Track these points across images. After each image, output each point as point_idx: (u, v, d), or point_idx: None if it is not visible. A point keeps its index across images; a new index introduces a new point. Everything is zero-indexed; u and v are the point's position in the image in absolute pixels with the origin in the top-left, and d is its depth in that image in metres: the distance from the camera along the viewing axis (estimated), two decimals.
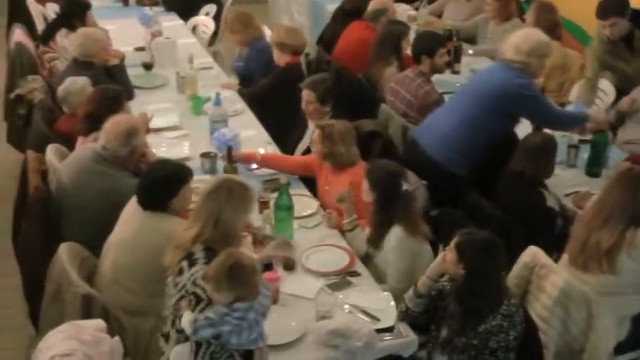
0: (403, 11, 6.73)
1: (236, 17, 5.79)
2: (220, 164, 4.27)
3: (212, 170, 4.26)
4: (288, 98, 4.85)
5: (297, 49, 5.26)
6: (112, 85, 4.64)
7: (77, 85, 4.60)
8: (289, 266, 3.48)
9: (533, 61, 4.27)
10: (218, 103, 4.74)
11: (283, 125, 4.87)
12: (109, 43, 5.49)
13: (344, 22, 6.24)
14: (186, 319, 2.72)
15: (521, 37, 4.33)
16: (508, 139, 4.33)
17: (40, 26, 6.75)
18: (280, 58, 5.26)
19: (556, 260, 3.53)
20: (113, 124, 3.85)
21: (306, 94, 4.56)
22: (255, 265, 2.76)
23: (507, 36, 4.44)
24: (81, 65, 5.05)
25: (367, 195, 3.58)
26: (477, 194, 4.03)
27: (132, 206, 3.44)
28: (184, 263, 3.00)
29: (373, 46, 5.39)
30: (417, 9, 7.07)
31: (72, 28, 5.77)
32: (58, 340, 2.63)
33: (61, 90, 4.63)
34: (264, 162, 4.31)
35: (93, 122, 4.05)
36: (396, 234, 3.47)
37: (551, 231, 3.88)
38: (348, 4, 6.42)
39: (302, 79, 4.77)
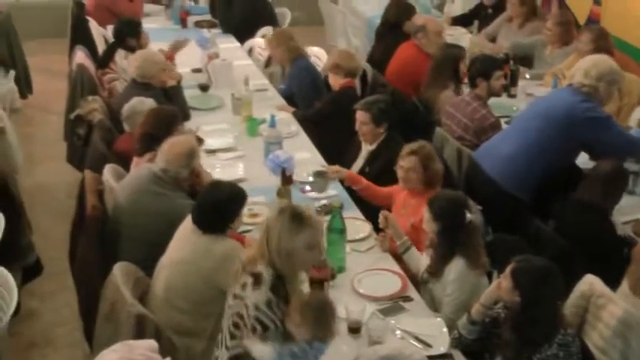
0: (460, 35, 6.69)
1: (275, 34, 5.84)
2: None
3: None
4: (342, 121, 4.85)
5: (351, 71, 5.27)
6: (169, 105, 4.70)
7: (144, 105, 4.66)
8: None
9: (601, 86, 4.21)
10: (273, 124, 4.77)
11: (337, 148, 4.87)
12: (170, 66, 5.57)
13: (390, 36, 6.27)
14: (264, 350, 2.75)
15: (590, 62, 4.28)
16: (570, 165, 4.26)
17: (101, 48, 6.89)
18: (335, 81, 5.28)
19: (614, 289, 3.45)
20: (172, 145, 3.90)
21: (360, 115, 4.55)
22: (335, 309, 2.82)
23: (566, 59, 4.39)
24: (139, 86, 5.14)
25: (429, 225, 3.49)
26: (538, 219, 3.97)
27: (186, 226, 3.47)
28: (249, 280, 2.94)
29: (429, 69, 5.37)
30: (471, 32, 7.03)
31: (129, 49, 5.89)
32: (111, 359, 2.66)
33: (126, 108, 4.70)
34: (365, 190, 4.26)
35: (148, 143, 4.11)
36: (457, 266, 3.39)
37: (621, 260, 3.76)
38: (390, 16, 6.41)
39: (354, 102, 4.77)
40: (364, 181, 4.27)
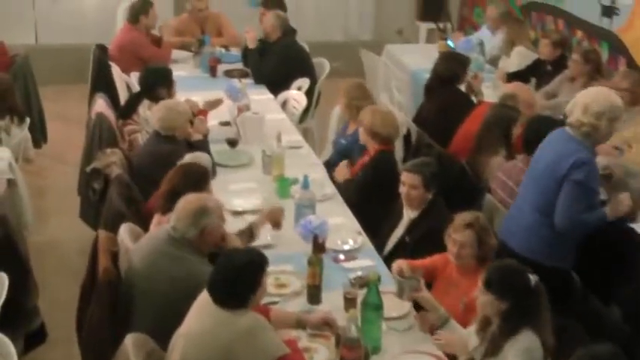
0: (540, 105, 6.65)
1: (358, 87, 5.89)
2: None
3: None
4: (380, 186, 4.86)
5: (388, 139, 5.24)
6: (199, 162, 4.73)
7: (201, 160, 4.70)
8: None
9: (602, 125, 4.13)
10: (306, 186, 4.78)
11: (375, 214, 4.87)
12: (204, 120, 5.64)
13: (440, 93, 6.28)
14: None
15: (589, 97, 4.19)
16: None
17: (123, 96, 7.01)
18: (370, 145, 5.27)
19: None
20: (184, 202, 3.93)
21: (410, 178, 4.55)
22: None
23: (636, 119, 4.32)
24: (162, 139, 5.21)
25: (492, 307, 3.41)
26: (593, 297, 3.91)
27: (205, 296, 3.47)
28: None
29: (479, 130, 5.37)
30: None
31: (157, 99, 5.96)
32: None
33: (186, 160, 4.73)
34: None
35: (174, 200, 4.14)
36: (525, 340, 3.32)
37: None
38: (441, 70, 6.41)
39: (394, 167, 4.78)
40: (403, 263, 4.10)
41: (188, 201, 3.94)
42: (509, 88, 6.06)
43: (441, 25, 9.68)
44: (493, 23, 8.21)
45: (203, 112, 5.94)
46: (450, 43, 8.14)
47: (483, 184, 5.13)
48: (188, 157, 4.73)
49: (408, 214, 4.62)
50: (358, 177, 5.20)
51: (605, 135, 4.22)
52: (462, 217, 3.96)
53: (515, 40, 7.60)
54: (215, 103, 6.21)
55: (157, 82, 6.06)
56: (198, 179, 4.34)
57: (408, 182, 4.54)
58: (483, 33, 8.37)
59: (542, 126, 4.79)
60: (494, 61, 7.87)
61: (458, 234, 3.92)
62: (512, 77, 7.01)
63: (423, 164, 4.62)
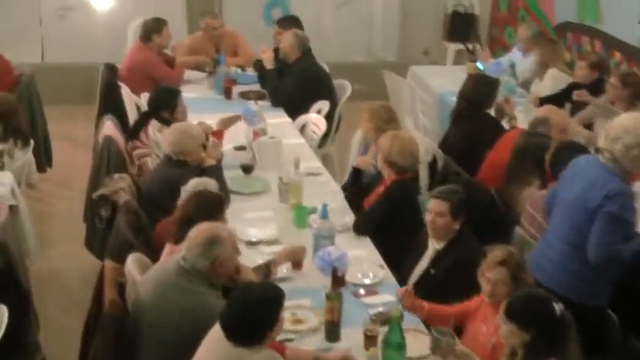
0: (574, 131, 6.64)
1: (386, 109, 5.90)
2: None
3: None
4: (399, 217, 4.84)
5: (405, 168, 5.20)
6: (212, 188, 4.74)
7: (207, 186, 4.69)
8: None
9: (634, 153, 4.10)
10: (325, 215, 4.78)
11: (397, 246, 4.85)
12: (213, 142, 5.66)
13: (469, 118, 6.27)
14: None
15: (622, 122, 4.17)
16: None
17: (132, 119, 7.05)
18: (386, 173, 5.24)
19: None
20: (195, 231, 3.94)
21: (437, 205, 4.53)
22: None
23: None
24: (173, 164, 5.24)
25: (514, 338, 3.40)
26: (633, 339, 3.87)
27: (217, 332, 3.46)
28: None
29: (509, 160, 5.35)
30: None
31: (163, 121, 6.00)
32: None
33: (183, 195, 4.72)
34: (430, 315, 4.08)
35: (187, 229, 4.13)
36: None
37: None
38: (469, 94, 6.40)
39: (411, 197, 4.76)
40: (425, 305, 4.11)
41: (200, 230, 3.94)
42: (540, 112, 6.05)
43: (470, 46, 9.68)
44: (525, 44, 8.20)
45: (218, 133, 5.96)
46: (479, 65, 8.15)
47: (514, 216, 5.10)
48: (193, 183, 4.73)
49: (434, 245, 4.60)
50: (372, 208, 5.17)
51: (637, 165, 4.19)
52: (495, 254, 3.92)
53: (548, 63, 7.57)
54: (231, 120, 6.22)
55: (161, 103, 6.13)
56: (213, 207, 4.35)
57: (435, 209, 4.53)
58: (515, 54, 8.37)
59: (572, 154, 4.71)
60: (526, 85, 7.85)
61: (491, 272, 3.89)
62: (545, 102, 6.98)
63: (450, 191, 4.61)
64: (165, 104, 6.11)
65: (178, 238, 4.20)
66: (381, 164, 5.25)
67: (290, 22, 8.16)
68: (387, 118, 5.81)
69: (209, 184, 4.74)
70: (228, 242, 3.96)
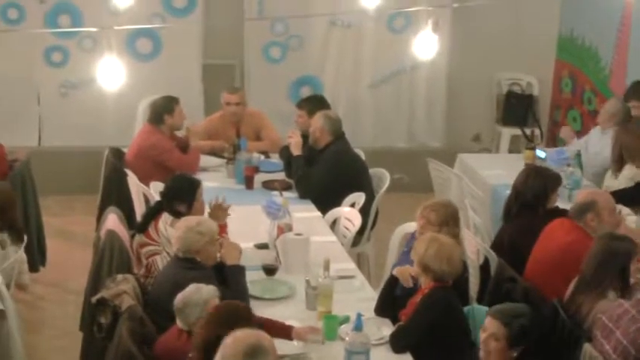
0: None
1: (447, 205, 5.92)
2: None
3: None
4: (443, 331, 4.81)
5: (442, 275, 5.18)
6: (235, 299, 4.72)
7: (201, 295, 4.70)
8: None
9: None
10: (359, 327, 4.73)
11: None
12: (235, 245, 5.67)
13: (525, 216, 6.27)
14: None
15: None
16: None
17: (139, 211, 7.10)
18: (423, 280, 5.17)
19: None
20: (235, 339, 3.90)
21: (493, 326, 4.55)
22: None
23: None
24: (182, 263, 5.26)
25: None
26: None
27: None
28: None
29: (584, 266, 5.27)
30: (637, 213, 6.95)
31: (178, 214, 6.01)
32: None
33: (179, 299, 4.72)
34: None
35: (212, 353, 4.08)
36: None
37: None
38: (524, 189, 6.39)
39: (456, 306, 4.71)
40: None
41: (238, 339, 3.91)
42: (581, 195, 6.06)
43: (528, 131, 9.72)
44: (603, 123, 8.20)
45: (222, 230, 5.96)
46: (539, 153, 8.16)
47: (582, 332, 5.02)
48: (188, 290, 4.75)
49: None
50: (410, 320, 5.13)
51: None
52: None
53: (627, 159, 7.50)
54: (218, 211, 6.23)
55: (177, 195, 6.13)
56: (240, 322, 4.30)
57: (490, 330, 4.53)
58: (592, 135, 8.35)
59: None
60: (597, 179, 7.79)
61: None
62: (617, 197, 6.90)
63: (513, 313, 4.61)
64: (183, 196, 6.11)
65: None
66: (416, 269, 5.23)
67: (313, 103, 8.21)
68: (451, 215, 5.82)
69: (202, 289, 4.74)
70: (272, 353, 3.94)
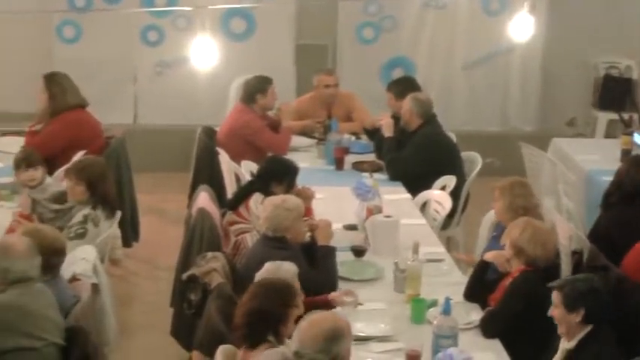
0: None
1: (521, 184, 5.88)
2: None
3: None
4: (531, 316, 4.79)
5: (534, 259, 5.12)
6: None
7: (280, 272, 4.72)
8: None
9: None
10: (447, 311, 4.71)
11: (529, 352, 4.80)
12: (327, 223, 5.69)
13: (623, 206, 6.15)
14: None
15: None
16: None
17: (230, 189, 7.16)
18: (513, 263, 5.15)
19: None
20: (312, 322, 3.93)
21: (553, 296, 4.53)
22: None
23: None
24: (270, 242, 5.30)
25: None
26: None
27: None
28: None
29: None
30: None
31: (269, 194, 6.04)
32: None
33: (258, 277, 4.76)
34: None
35: (263, 327, 4.11)
36: None
37: None
38: (625, 179, 6.22)
39: (543, 292, 4.66)
40: None
41: (316, 321, 3.94)
42: None
43: (626, 116, 9.54)
44: None
45: (308, 212, 5.97)
46: (637, 138, 7.99)
47: None
48: (267, 268, 4.78)
49: (564, 345, 4.56)
50: (499, 304, 5.08)
51: None
52: None
53: None
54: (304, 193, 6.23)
55: (275, 176, 6.19)
56: (286, 294, 4.35)
57: (553, 301, 4.55)
58: None
59: None
60: None
61: None
62: None
63: (570, 280, 4.61)
64: (281, 178, 6.18)
65: (255, 342, 4.19)
66: (508, 252, 5.19)
67: (401, 85, 8.19)
68: (526, 193, 5.75)
69: (283, 266, 4.76)
70: (349, 334, 3.97)
